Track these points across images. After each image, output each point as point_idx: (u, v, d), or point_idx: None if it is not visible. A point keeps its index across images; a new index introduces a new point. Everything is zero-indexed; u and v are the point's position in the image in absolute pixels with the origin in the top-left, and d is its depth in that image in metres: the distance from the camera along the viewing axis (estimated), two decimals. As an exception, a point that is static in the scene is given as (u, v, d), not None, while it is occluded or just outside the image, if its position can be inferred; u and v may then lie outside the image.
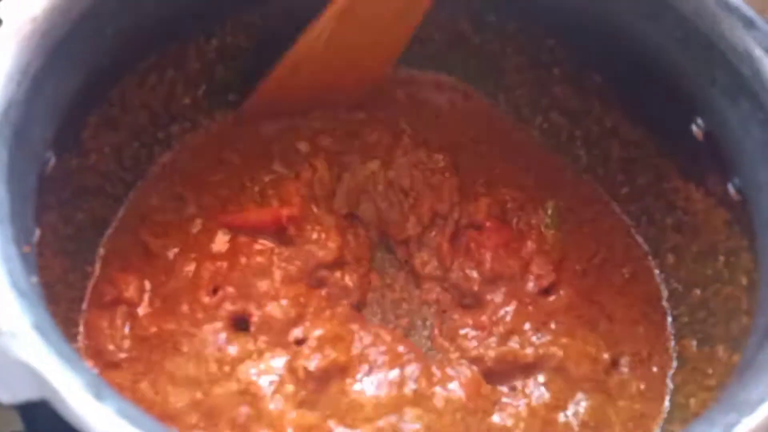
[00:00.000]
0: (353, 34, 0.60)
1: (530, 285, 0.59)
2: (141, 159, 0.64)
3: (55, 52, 0.47)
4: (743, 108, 0.50)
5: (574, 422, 0.54)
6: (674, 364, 0.58)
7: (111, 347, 0.53)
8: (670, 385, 0.57)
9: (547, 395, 0.55)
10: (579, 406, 0.55)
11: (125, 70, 0.59)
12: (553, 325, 0.57)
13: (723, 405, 0.37)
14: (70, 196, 0.57)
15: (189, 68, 0.64)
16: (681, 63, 0.54)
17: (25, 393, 0.31)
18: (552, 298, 0.59)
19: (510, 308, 0.57)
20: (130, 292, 0.55)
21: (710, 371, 0.55)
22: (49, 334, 0.34)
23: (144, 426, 0.31)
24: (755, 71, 0.49)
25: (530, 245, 0.60)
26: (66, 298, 0.56)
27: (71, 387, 0.32)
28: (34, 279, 0.38)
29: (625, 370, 0.58)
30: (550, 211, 0.62)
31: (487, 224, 0.60)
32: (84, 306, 0.57)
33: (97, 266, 0.59)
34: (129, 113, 0.61)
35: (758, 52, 0.48)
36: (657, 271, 0.62)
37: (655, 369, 0.58)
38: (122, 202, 0.62)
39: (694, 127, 0.55)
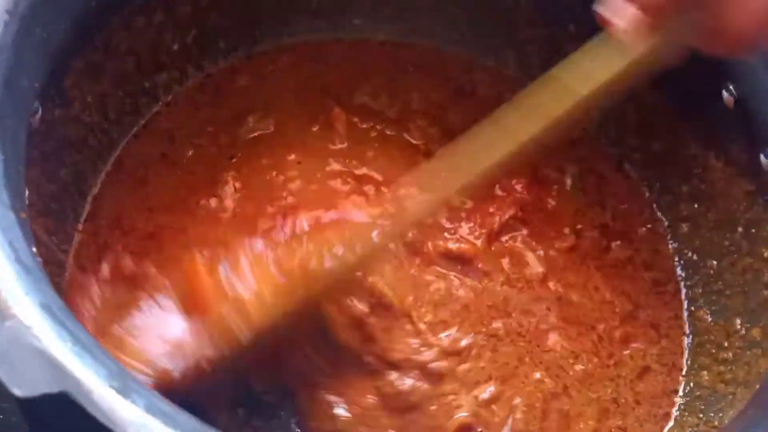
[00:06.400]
0: None
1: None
2: (125, 110, 0.59)
3: (43, -9, 0.42)
4: (786, 77, 0.48)
5: None
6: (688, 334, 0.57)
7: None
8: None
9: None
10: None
11: (112, 13, 0.54)
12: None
13: None
14: (53, 150, 0.52)
15: (179, 12, 0.59)
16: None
17: (42, 386, 0.27)
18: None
19: None
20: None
21: (726, 344, 0.54)
22: (61, 317, 0.30)
23: (177, 423, 0.28)
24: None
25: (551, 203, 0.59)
26: (50, 261, 0.51)
27: (94, 378, 0.28)
28: (34, 249, 0.34)
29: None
30: (570, 180, 0.61)
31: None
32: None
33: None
34: (114, 59, 0.56)
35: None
36: (671, 240, 0.60)
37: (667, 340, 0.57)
38: (106, 159, 0.58)
39: (725, 94, 0.53)
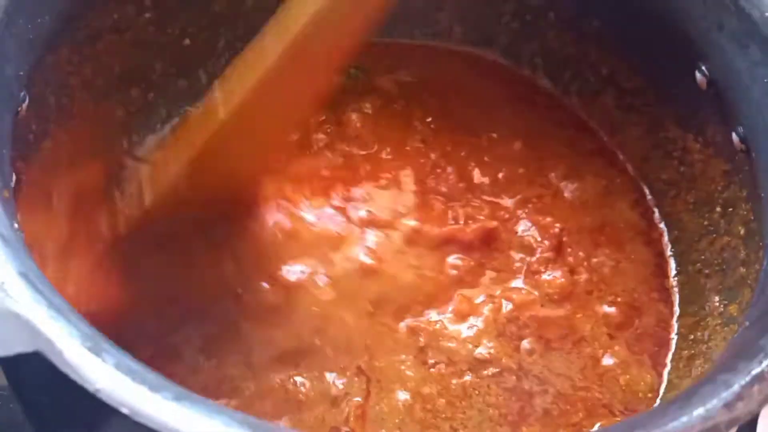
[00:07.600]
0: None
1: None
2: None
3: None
4: (753, 54, 0.48)
5: None
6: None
7: None
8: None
9: None
10: None
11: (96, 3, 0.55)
12: None
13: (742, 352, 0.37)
14: (46, 140, 0.53)
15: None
16: (686, 7, 0.52)
17: (17, 345, 0.28)
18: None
19: None
20: None
21: (705, 321, 0.55)
22: (37, 283, 0.32)
23: (145, 380, 0.30)
24: (767, 16, 0.47)
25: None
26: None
27: (67, 339, 0.30)
28: (16, 225, 0.36)
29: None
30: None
31: None
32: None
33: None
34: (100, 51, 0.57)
35: (772, -5, 0.47)
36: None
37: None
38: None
39: (698, 75, 0.53)
